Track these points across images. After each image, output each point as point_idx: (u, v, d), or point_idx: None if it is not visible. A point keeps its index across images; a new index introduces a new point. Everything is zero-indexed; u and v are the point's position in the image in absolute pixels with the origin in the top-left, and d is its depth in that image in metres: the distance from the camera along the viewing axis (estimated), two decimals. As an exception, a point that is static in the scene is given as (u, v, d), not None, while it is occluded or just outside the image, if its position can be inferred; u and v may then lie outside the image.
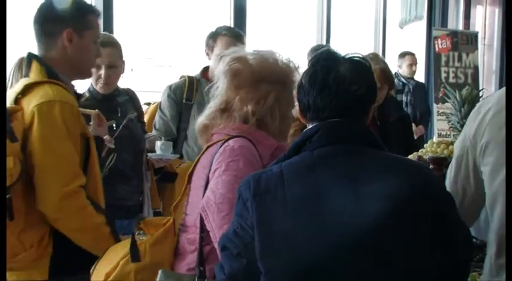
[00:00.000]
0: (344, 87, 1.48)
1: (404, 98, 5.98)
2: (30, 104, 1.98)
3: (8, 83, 2.23)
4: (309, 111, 1.53)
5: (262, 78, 1.85)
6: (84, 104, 2.74)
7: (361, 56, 1.56)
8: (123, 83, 3.03)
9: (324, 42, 5.91)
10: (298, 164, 1.46)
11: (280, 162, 1.49)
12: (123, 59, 2.93)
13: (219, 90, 1.91)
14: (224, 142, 1.81)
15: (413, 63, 6.13)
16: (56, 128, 1.96)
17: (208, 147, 1.87)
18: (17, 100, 2.01)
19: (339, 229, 1.36)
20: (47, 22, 2.10)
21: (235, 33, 3.32)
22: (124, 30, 3.91)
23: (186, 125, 3.22)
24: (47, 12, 2.12)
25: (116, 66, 2.87)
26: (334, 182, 1.40)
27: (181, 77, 3.35)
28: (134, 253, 1.86)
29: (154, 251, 1.88)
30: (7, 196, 1.85)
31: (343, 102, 1.48)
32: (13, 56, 2.22)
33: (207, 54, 3.29)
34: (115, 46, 2.89)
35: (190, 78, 3.30)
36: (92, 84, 2.91)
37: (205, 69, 3.34)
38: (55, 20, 2.10)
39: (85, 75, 2.27)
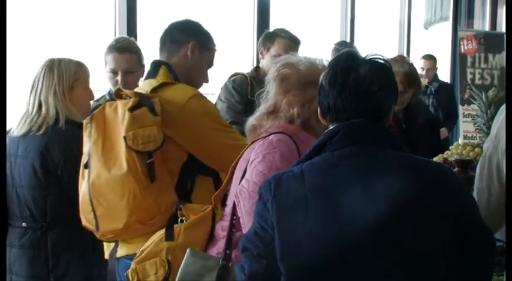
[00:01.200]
0: (364, 88, 1.49)
1: (426, 101, 5.94)
2: (170, 95, 2.19)
3: (38, 84, 2.41)
4: (329, 113, 1.55)
5: (309, 82, 1.91)
6: None
7: (382, 57, 1.57)
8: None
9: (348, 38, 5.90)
10: (319, 164, 1.48)
11: (302, 163, 1.52)
12: (143, 63, 2.95)
13: (269, 94, 2.01)
14: (265, 137, 1.91)
15: (426, 67, 6.05)
16: (212, 115, 2.27)
17: (252, 142, 1.97)
18: (151, 93, 2.21)
19: (353, 229, 1.38)
20: (177, 31, 2.36)
21: (294, 38, 3.37)
22: (147, 33, 3.94)
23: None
24: (178, 24, 2.39)
25: (133, 72, 2.90)
26: (350, 183, 1.42)
27: (233, 75, 3.39)
28: (169, 233, 2.00)
29: (188, 233, 2.00)
30: (150, 160, 2.04)
31: (363, 103, 1.50)
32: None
33: (261, 53, 3.37)
34: (132, 51, 2.91)
35: (246, 75, 3.36)
36: (111, 87, 2.95)
37: (257, 68, 3.42)
38: (185, 30, 2.36)
39: (195, 85, 2.38)
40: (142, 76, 2.94)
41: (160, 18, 4.33)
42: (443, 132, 5.95)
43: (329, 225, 1.39)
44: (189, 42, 2.32)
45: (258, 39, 4.58)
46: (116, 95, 2.21)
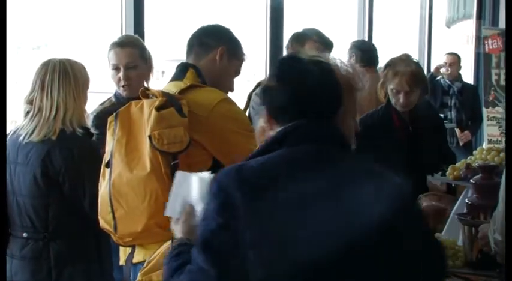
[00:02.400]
0: (311, 91, 1.51)
1: (449, 101, 5.88)
2: (199, 98, 2.21)
3: (53, 87, 2.43)
4: (279, 118, 1.56)
5: None
6: (110, 109, 2.77)
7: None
8: (153, 87, 3.04)
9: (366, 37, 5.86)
10: (275, 158, 1.48)
11: (255, 157, 1.51)
12: (150, 60, 2.93)
13: None
14: None
15: (449, 62, 6.00)
16: (240, 121, 2.29)
17: None
18: (179, 94, 2.22)
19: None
20: (207, 35, 2.38)
21: (326, 41, 3.33)
22: (155, 31, 3.95)
23: None
24: (207, 28, 2.41)
25: (135, 67, 2.87)
26: (311, 179, 1.44)
27: (260, 84, 3.30)
28: None
29: None
30: (175, 162, 2.05)
31: (308, 106, 1.51)
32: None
33: None
34: (134, 46, 2.90)
35: None
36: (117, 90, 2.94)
37: None
38: (215, 35, 2.38)
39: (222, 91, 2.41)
40: (148, 75, 2.94)
41: (169, 19, 4.34)
42: (466, 135, 5.89)
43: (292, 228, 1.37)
44: (218, 47, 2.34)
45: (270, 40, 4.60)
46: (142, 95, 2.21)
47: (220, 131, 2.20)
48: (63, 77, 2.50)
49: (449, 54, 6.06)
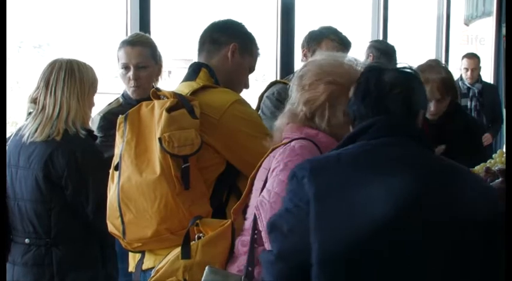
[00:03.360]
0: (385, 91, 1.63)
1: (468, 104, 5.83)
2: (211, 99, 2.20)
3: (57, 87, 2.43)
4: (355, 121, 1.68)
5: (323, 78, 1.95)
6: (117, 110, 2.80)
7: (409, 66, 1.71)
8: (160, 87, 3.03)
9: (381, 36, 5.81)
10: (355, 150, 1.59)
11: (335, 150, 1.64)
12: (160, 60, 2.94)
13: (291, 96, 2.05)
14: (286, 144, 1.92)
15: (470, 67, 5.95)
16: (253, 123, 2.26)
17: (272, 149, 1.97)
18: (191, 95, 2.22)
19: (371, 214, 1.48)
20: (218, 31, 2.36)
21: (344, 40, 3.26)
22: (162, 30, 3.95)
23: None
24: (219, 23, 2.39)
25: (146, 67, 2.87)
26: (384, 171, 1.54)
27: (273, 83, 3.27)
28: (185, 250, 1.98)
29: (205, 250, 1.98)
30: (186, 165, 2.04)
31: (384, 105, 1.62)
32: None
33: (304, 55, 3.24)
34: (145, 45, 2.90)
35: (288, 82, 3.26)
36: (125, 90, 2.93)
37: None
38: (226, 30, 2.36)
39: (235, 90, 2.40)
40: (158, 75, 2.95)
41: (175, 16, 4.33)
42: (487, 138, 5.82)
43: (362, 208, 1.48)
44: (230, 44, 2.33)
45: (281, 40, 4.56)
46: (152, 95, 2.21)
47: (232, 133, 2.19)
48: (69, 77, 2.51)
49: (469, 58, 5.97)
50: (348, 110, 1.72)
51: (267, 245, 1.75)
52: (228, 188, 2.21)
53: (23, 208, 2.50)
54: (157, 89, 2.24)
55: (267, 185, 1.87)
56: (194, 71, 2.31)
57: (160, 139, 2.03)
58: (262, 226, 1.81)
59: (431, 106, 3.05)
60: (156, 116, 2.11)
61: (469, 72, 5.91)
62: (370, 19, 5.86)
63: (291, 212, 1.56)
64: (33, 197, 2.48)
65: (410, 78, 1.68)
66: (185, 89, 2.25)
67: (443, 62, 6.52)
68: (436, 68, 3.08)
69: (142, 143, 2.12)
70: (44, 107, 2.50)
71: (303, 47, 3.28)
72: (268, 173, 1.90)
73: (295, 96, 2.00)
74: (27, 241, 2.50)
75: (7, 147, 2.53)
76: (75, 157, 2.45)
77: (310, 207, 1.50)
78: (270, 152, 1.96)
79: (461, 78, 5.95)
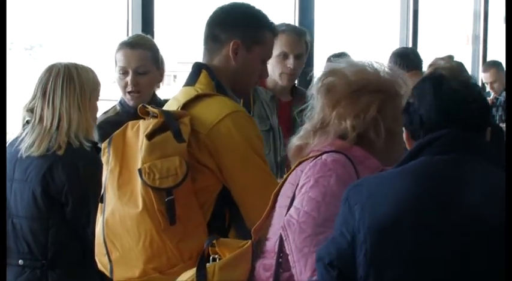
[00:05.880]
0: (460, 98, 1.62)
1: (494, 113, 5.80)
2: (202, 112, 2.14)
3: (55, 95, 2.41)
4: (422, 128, 1.64)
5: (360, 89, 1.92)
6: (114, 119, 2.79)
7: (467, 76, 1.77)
8: (164, 93, 3.00)
9: (410, 44, 5.80)
10: (415, 168, 1.57)
11: (395, 167, 1.62)
12: (162, 65, 2.91)
13: (314, 110, 2.00)
14: (317, 157, 1.89)
15: (488, 81, 5.94)
16: (246, 142, 2.16)
17: (300, 163, 1.93)
18: (184, 107, 2.17)
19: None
20: (216, 26, 2.27)
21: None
22: (166, 31, 3.95)
23: None
24: (219, 15, 2.29)
25: (146, 72, 2.84)
26: (447, 192, 1.52)
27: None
28: (201, 275, 1.94)
29: (223, 274, 1.94)
30: (170, 198, 1.98)
31: (460, 114, 1.61)
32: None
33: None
34: (146, 48, 2.87)
35: None
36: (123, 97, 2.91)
37: None
38: (224, 25, 2.26)
39: (242, 92, 2.37)
40: (159, 81, 2.93)
41: (181, 16, 4.33)
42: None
43: (423, 241, 1.48)
44: (230, 41, 2.23)
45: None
46: (140, 112, 2.16)
47: (218, 152, 2.12)
48: (67, 84, 2.49)
49: (486, 71, 5.99)
50: (407, 119, 1.68)
51: (298, 271, 1.75)
52: (230, 206, 2.16)
53: (17, 225, 2.48)
54: (145, 106, 2.17)
55: (295, 203, 1.83)
56: (194, 73, 2.25)
57: (140, 170, 1.99)
58: (290, 248, 1.78)
59: None
60: (140, 140, 2.06)
61: (488, 86, 5.97)
62: (398, 12, 5.87)
63: (335, 242, 1.57)
64: (29, 214, 2.47)
65: (477, 89, 1.70)
66: (182, 97, 2.21)
67: (481, 62, 6.51)
68: (446, 59, 3.22)
69: (126, 172, 2.08)
70: (41, 119, 2.49)
71: None
72: (295, 190, 1.86)
73: (328, 113, 1.94)
74: (21, 262, 2.48)
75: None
76: (77, 171, 2.43)
77: (358, 240, 1.52)
78: (297, 166, 1.93)
79: (484, 89, 5.97)
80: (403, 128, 1.72)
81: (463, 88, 1.64)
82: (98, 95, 2.59)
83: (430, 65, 3.44)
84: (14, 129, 2.64)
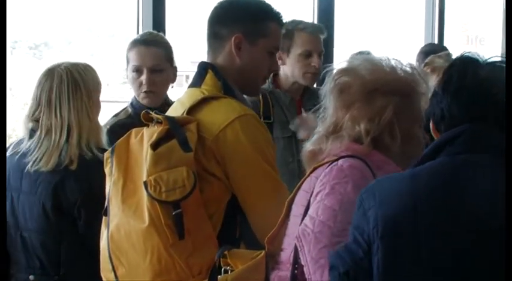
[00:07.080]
0: (483, 89, 1.57)
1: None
2: (209, 117, 2.12)
3: (63, 104, 2.38)
4: (443, 121, 1.62)
5: (376, 89, 1.90)
6: (126, 122, 2.77)
7: (503, 60, 1.64)
8: (175, 94, 2.98)
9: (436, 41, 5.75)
10: (434, 169, 1.55)
11: (412, 168, 1.60)
12: (174, 64, 2.91)
13: (327, 111, 1.98)
14: (332, 162, 1.87)
15: None
16: (254, 149, 2.13)
17: (314, 168, 1.92)
18: (189, 111, 2.14)
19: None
20: (218, 21, 2.25)
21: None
22: (178, 29, 3.94)
23: None
24: (218, 11, 2.27)
25: (161, 70, 2.84)
26: (468, 193, 1.49)
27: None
28: None
29: None
30: (178, 211, 1.95)
31: (480, 106, 1.57)
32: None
33: (280, 58, 3.19)
34: (161, 46, 2.86)
35: (262, 90, 3.22)
36: (135, 97, 2.90)
37: (275, 76, 3.26)
38: (225, 20, 2.24)
39: (251, 91, 2.35)
40: (173, 80, 2.92)
41: (193, 14, 4.32)
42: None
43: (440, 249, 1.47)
44: (232, 36, 2.20)
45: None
46: (144, 118, 2.12)
47: (225, 158, 2.09)
48: (73, 90, 2.45)
49: None
50: (432, 110, 1.66)
51: None
52: (242, 215, 2.13)
53: (27, 239, 2.46)
54: (148, 112, 2.13)
55: (310, 211, 1.82)
56: (200, 73, 2.23)
57: (145, 183, 1.96)
58: (305, 260, 1.77)
59: None
60: (144, 149, 2.03)
61: None
62: (423, 8, 5.81)
63: (349, 250, 1.56)
64: (39, 228, 2.44)
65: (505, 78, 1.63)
66: (187, 101, 2.18)
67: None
68: (444, 57, 3.24)
69: (131, 184, 2.05)
70: (48, 131, 2.44)
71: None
72: (310, 197, 1.85)
73: (341, 115, 1.92)
74: (31, 277, 2.46)
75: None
76: (91, 184, 2.37)
77: (378, 247, 1.50)
78: (311, 172, 1.91)
79: None
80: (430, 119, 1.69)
81: (492, 77, 1.58)
82: (99, 94, 2.55)
83: (427, 63, 3.46)
84: (16, 128, 2.61)
